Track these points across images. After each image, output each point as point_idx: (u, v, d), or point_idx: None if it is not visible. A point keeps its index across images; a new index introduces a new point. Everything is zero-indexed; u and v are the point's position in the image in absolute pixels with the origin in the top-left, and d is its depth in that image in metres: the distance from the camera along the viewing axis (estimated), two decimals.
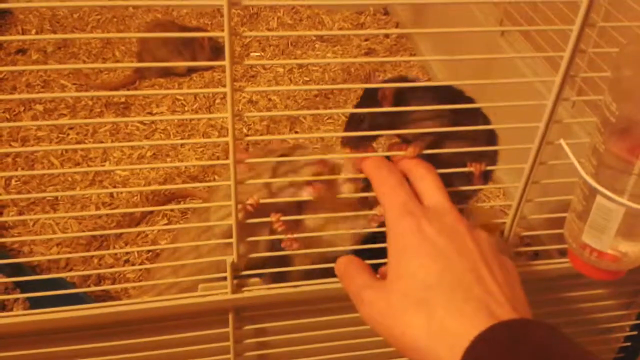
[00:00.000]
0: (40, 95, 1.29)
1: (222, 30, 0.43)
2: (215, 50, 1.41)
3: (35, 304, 0.69)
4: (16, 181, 1.08)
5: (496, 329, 0.35)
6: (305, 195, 0.66)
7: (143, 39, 1.42)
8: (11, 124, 1.17)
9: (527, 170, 0.55)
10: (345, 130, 0.57)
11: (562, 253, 0.62)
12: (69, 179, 1.10)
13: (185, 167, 1.14)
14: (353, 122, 0.57)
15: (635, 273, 0.70)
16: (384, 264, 0.44)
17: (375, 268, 0.48)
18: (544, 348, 0.34)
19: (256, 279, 0.61)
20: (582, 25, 0.48)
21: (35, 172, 1.11)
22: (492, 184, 0.97)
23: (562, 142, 0.53)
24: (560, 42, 0.52)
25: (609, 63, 0.51)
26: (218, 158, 1.16)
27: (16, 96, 1.27)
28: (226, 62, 0.45)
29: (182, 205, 1.04)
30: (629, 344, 0.79)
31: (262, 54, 1.51)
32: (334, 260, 0.52)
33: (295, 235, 0.64)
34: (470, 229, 0.42)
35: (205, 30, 1.57)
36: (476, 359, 0.34)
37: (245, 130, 1.24)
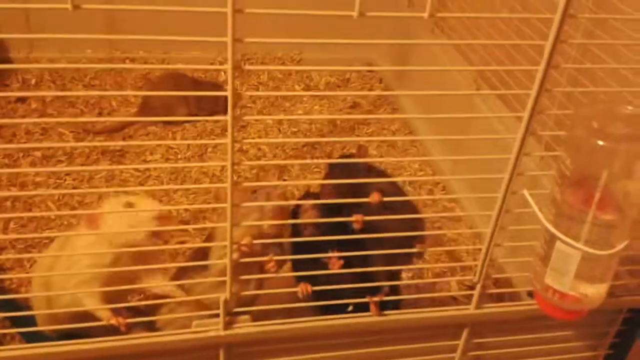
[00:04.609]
0: (39, 145, 1.34)
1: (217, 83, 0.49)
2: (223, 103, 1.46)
3: (31, 339, 0.72)
4: (14, 224, 1.12)
5: None
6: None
7: (154, 85, 1.51)
8: (10, 170, 1.21)
9: (494, 217, 0.61)
10: None
11: (531, 295, 0.68)
12: (65, 222, 1.14)
13: (178, 212, 1.18)
14: None
15: (600, 315, 0.75)
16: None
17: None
18: None
19: (246, 316, 0.65)
20: (540, 87, 0.55)
21: (32, 214, 1.15)
22: (465, 229, 1.04)
23: (525, 192, 0.59)
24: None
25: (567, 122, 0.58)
26: (209, 204, 1.21)
27: (14, 145, 1.32)
28: (228, 117, 0.50)
29: (174, 246, 1.08)
30: None
31: (253, 105, 1.57)
32: None
33: (276, 258, 0.69)
34: None
35: (219, 84, 1.58)
36: None
37: (235, 178, 1.29)
